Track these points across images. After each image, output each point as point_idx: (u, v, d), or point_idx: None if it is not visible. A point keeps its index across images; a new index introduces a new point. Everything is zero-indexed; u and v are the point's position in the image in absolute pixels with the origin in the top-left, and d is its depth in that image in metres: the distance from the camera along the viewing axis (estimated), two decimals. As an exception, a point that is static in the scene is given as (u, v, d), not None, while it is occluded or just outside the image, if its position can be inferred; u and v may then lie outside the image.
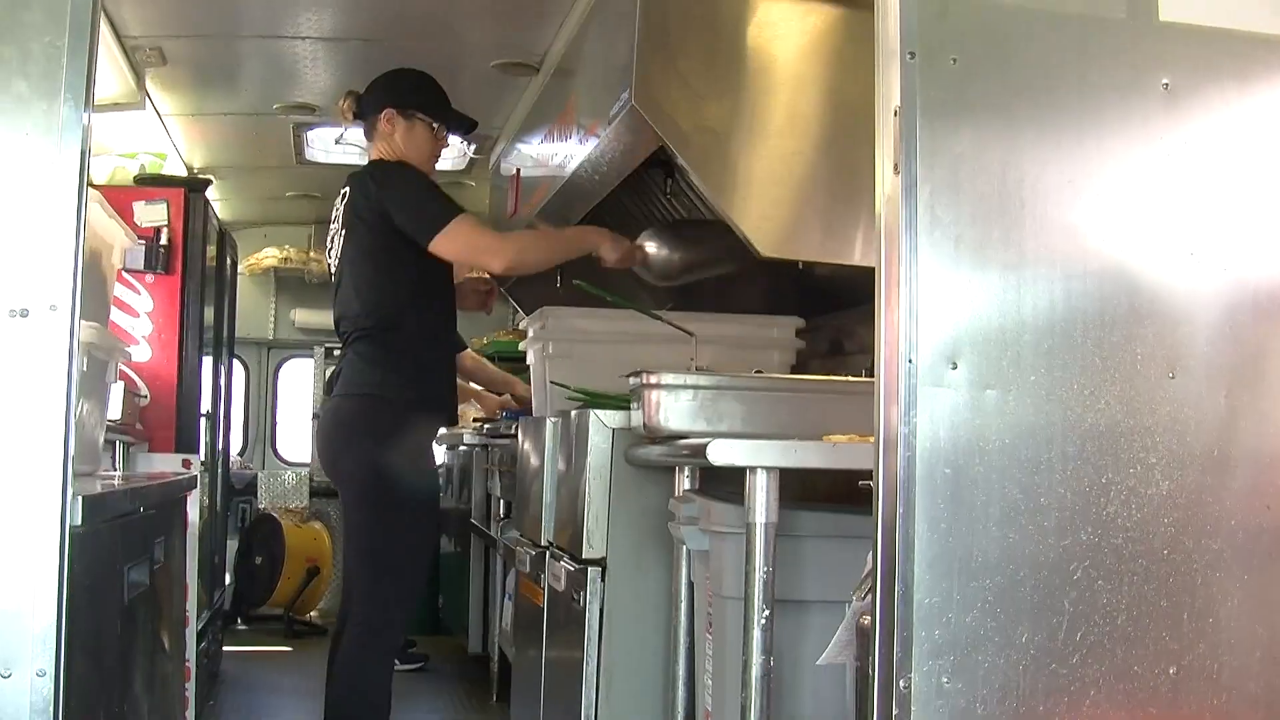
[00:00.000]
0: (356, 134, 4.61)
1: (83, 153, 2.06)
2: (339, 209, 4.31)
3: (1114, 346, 2.27)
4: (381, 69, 4.44)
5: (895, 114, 2.21)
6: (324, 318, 8.99)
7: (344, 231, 4.22)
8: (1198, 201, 2.36)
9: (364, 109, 4.33)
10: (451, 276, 4.33)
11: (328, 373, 8.41)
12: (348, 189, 4.28)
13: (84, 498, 2.15)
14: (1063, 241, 2.27)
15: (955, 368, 2.18)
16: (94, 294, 3.45)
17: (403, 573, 4.10)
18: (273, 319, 9.21)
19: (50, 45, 2.08)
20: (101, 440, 3.50)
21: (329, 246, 4.43)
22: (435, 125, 4.29)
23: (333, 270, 4.39)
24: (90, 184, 2.13)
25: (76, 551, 2.08)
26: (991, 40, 2.30)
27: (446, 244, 3.98)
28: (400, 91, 4.32)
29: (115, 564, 2.66)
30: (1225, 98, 2.40)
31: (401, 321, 4.11)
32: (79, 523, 2.10)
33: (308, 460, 8.93)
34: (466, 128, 4.46)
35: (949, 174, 2.21)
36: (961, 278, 2.21)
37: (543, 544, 4.09)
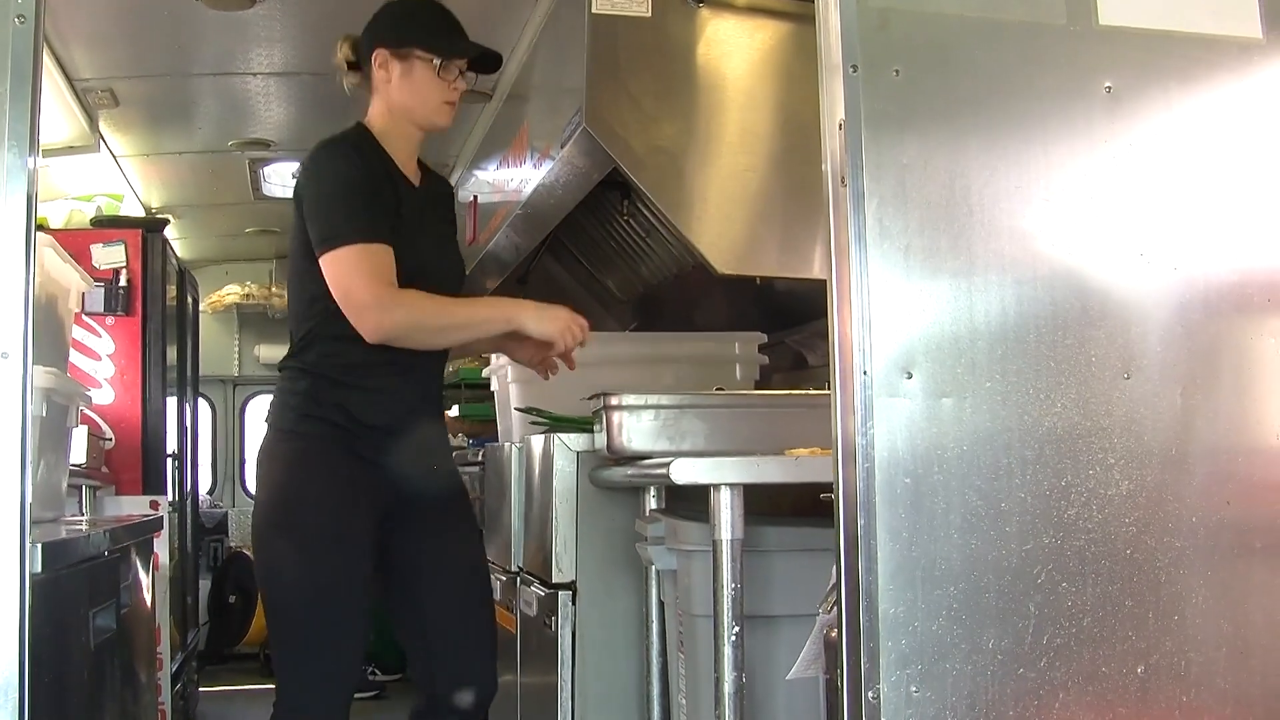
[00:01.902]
0: None
1: (29, 198, 2.04)
2: None
3: (1068, 349, 2.28)
4: (334, 103, 4.35)
5: (840, 127, 2.22)
6: (288, 352, 9.04)
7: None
8: (1145, 202, 2.37)
9: (360, 57, 3.27)
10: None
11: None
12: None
13: (44, 544, 2.14)
14: (1013, 247, 2.28)
15: (910, 377, 2.19)
16: (51, 339, 3.43)
17: (307, 644, 2.99)
18: (237, 356, 9.18)
19: (-10, 92, 2.07)
20: (65, 485, 3.48)
21: None
22: (438, 61, 3.17)
23: None
24: (45, 228, 2.12)
25: (38, 599, 2.06)
26: (934, 50, 2.31)
27: (326, 269, 3.01)
28: (391, 25, 3.24)
29: (80, 609, 2.64)
30: (1168, 99, 2.42)
31: (310, 343, 3.12)
32: (39, 570, 2.08)
33: (278, 496, 8.87)
34: (486, 62, 3.31)
35: (896, 185, 2.22)
36: (913, 287, 2.22)
37: (513, 569, 4.08)
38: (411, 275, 3.04)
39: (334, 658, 2.99)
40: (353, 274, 2.96)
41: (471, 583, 3.21)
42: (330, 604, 2.97)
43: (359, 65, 3.26)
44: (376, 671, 6.95)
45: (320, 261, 3.01)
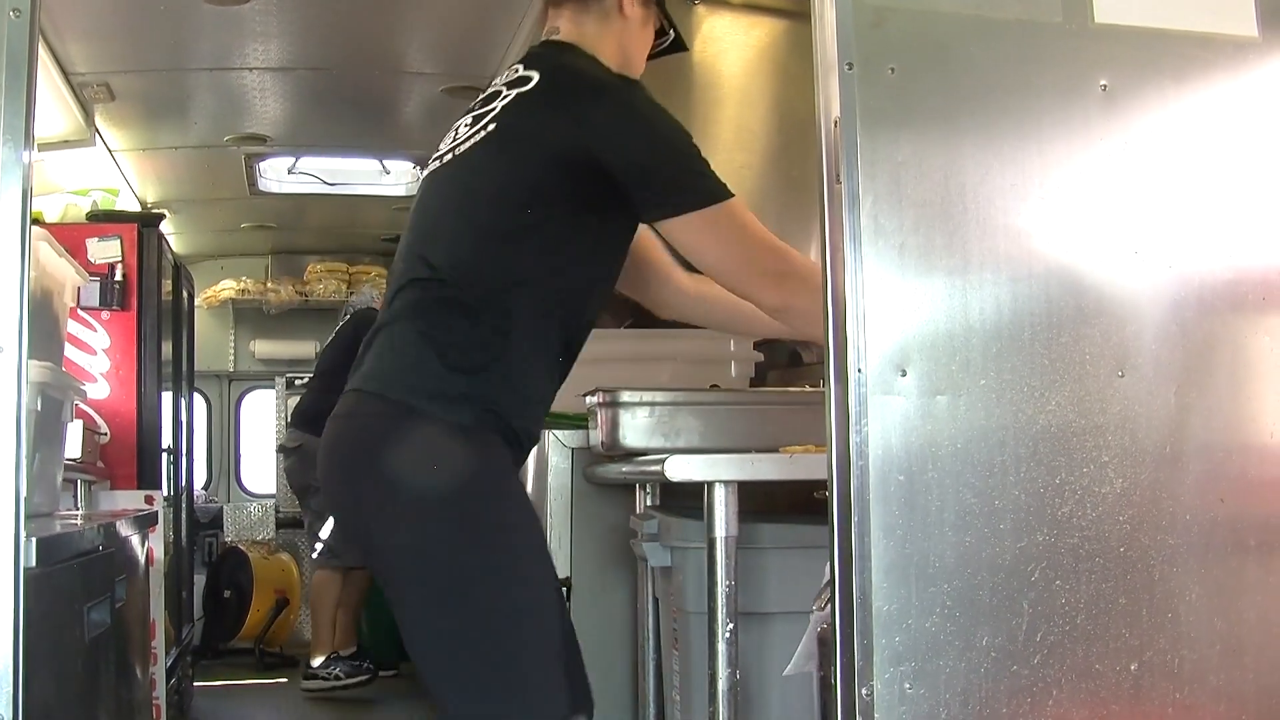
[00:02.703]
0: (309, 163, 4.38)
1: (24, 193, 2.04)
2: (498, 89, 2.60)
3: (1063, 347, 2.28)
4: (331, 97, 4.36)
5: (835, 125, 2.22)
6: (283, 348, 9.06)
7: (485, 132, 2.52)
8: (1140, 200, 2.37)
9: None
10: (616, 274, 2.66)
11: (289, 404, 8.41)
12: (534, 75, 2.54)
13: (39, 539, 2.13)
14: (1007, 245, 2.28)
15: (905, 375, 2.19)
16: (46, 333, 3.43)
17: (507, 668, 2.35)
18: (232, 351, 9.18)
19: (-14, 86, 2.07)
20: (60, 480, 3.48)
21: (450, 141, 2.63)
22: (665, 24, 2.81)
23: (429, 166, 2.66)
24: (40, 223, 2.12)
25: (33, 593, 2.06)
26: (929, 49, 2.31)
27: (699, 234, 2.47)
28: None
29: (75, 604, 2.65)
30: (1163, 97, 2.42)
31: (511, 305, 2.44)
32: (34, 564, 2.08)
33: (273, 492, 8.89)
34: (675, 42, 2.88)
35: (891, 183, 2.22)
36: (907, 285, 2.22)
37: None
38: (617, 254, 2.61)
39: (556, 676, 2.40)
40: (755, 234, 2.51)
41: None
42: (555, 617, 2.44)
43: None
44: (371, 666, 6.96)
45: (687, 219, 2.44)
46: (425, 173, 2.64)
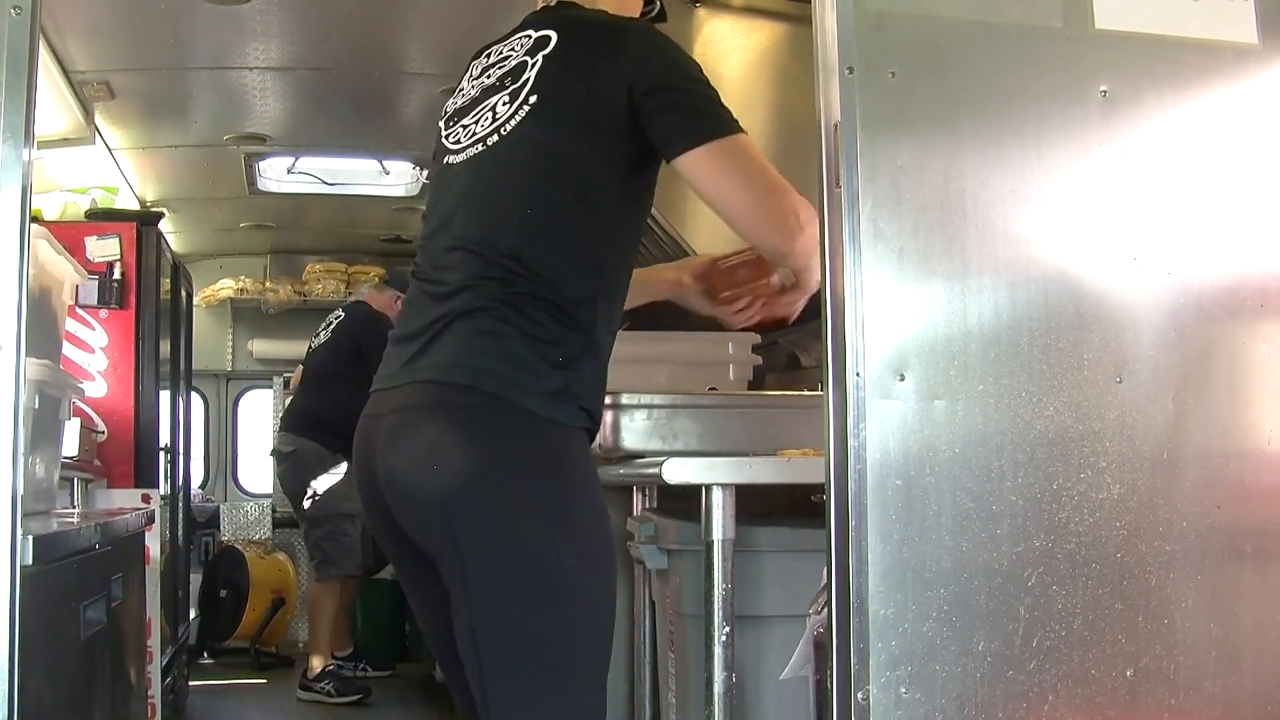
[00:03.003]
0: (308, 163, 4.41)
1: (24, 190, 2.04)
2: (521, 60, 2.50)
3: (1061, 353, 2.28)
4: (331, 97, 4.37)
5: (835, 128, 2.22)
6: (282, 348, 9.05)
7: (529, 106, 2.41)
8: (1139, 207, 2.37)
9: None
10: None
11: (287, 404, 8.41)
12: (552, 34, 2.48)
13: (35, 537, 2.13)
14: (1006, 250, 2.28)
15: (903, 379, 2.19)
16: (44, 331, 3.43)
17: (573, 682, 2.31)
18: (230, 350, 9.18)
19: (-14, 84, 2.07)
20: (57, 478, 3.48)
21: (472, 118, 2.53)
22: None
23: (455, 153, 2.54)
24: (39, 220, 2.12)
25: (29, 591, 2.06)
26: (930, 53, 2.31)
27: (720, 165, 2.36)
28: None
29: (71, 602, 2.64)
30: (1163, 103, 2.42)
31: (594, 294, 2.40)
32: (30, 562, 2.08)
33: (269, 491, 8.88)
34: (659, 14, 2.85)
35: (890, 187, 2.22)
36: (906, 290, 2.22)
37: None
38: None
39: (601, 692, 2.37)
40: (770, 170, 2.39)
41: None
42: (611, 634, 2.39)
43: None
44: (367, 669, 6.94)
45: (706, 149, 2.34)
46: (457, 156, 2.51)
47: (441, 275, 2.42)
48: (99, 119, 5.69)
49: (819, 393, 2.29)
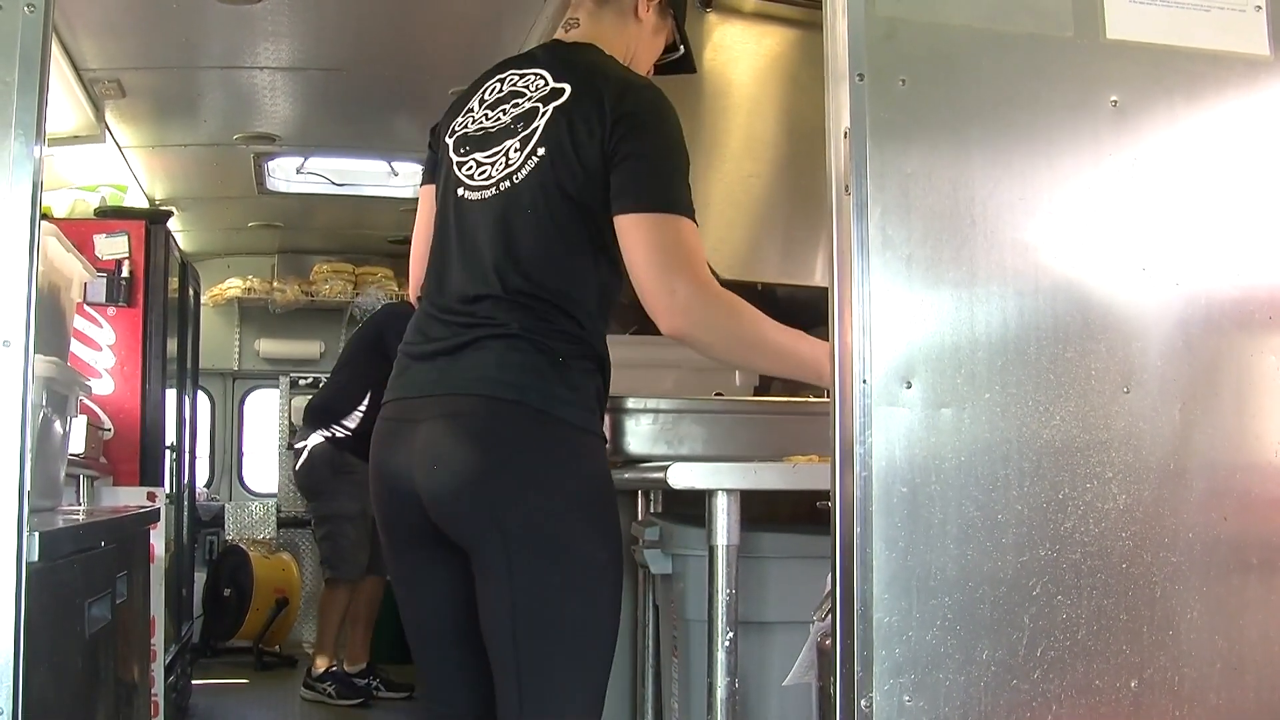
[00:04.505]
0: (317, 163, 4.41)
1: (34, 187, 2.05)
2: (534, 106, 2.61)
3: (1068, 362, 2.28)
4: (341, 98, 4.36)
5: (845, 135, 2.22)
6: (288, 348, 9.07)
7: (537, 158, 2.54)
8: (1149, 217, 2.37)
9: None
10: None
11: (293, 404, 8.41)
12: (566, 88, 2.59)
13: (41, 533, 2.13)
14: (1015, 259, 2.28)
15: (910, 387, 2.19)
16: (53, 328, 3.43)
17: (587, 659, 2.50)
18: (237, 350, 9.18)
19: (-1, 81, 2.07)
20: (63, 475, 3.48)
21: (488, 157, 2.65)
22: (676, 39, 2.93)
23: (472, 189, 2.65)
24: (48, 218, 2.12)
25: (34, 588, 2.06)
26: (940, 61, 2.31)
27: (648, 232, 2.46)
28: None
29: (76, 600, 2.64)
30: (1174, 114, 2.42)
31: (602, 316, 2.63)
32: (36, 559, 2.08)
33: (275, 491, 8.89)
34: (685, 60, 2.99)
35: (900, 194, 2.22)
36: (914, 297, 2.22)
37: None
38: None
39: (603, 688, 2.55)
40: (690, 251, 2.47)
41: None
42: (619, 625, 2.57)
43: None
44: (380, 687, 6.84)
45: (639, 219, 2.47)
46: (473, 194, 2.64)
47: (463, 301, 2.57)
48: (109, 117, 5.70)
49: (825, 399, 2.28)
